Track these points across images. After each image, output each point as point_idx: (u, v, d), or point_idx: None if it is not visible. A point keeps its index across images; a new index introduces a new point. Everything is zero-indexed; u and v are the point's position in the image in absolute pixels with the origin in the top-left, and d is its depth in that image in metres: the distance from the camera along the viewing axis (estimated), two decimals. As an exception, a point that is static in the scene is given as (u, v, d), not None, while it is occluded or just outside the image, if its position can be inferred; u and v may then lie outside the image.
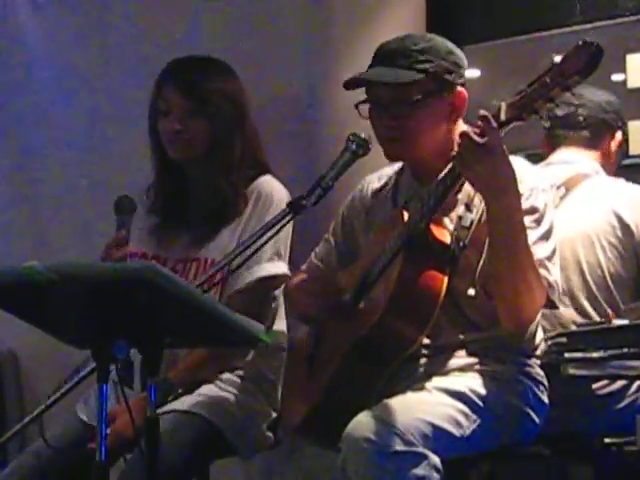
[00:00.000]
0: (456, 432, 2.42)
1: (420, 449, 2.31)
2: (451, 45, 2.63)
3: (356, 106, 2.60)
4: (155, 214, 2.94)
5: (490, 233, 2.42)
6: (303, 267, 2.93)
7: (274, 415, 2.89)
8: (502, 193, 2.34)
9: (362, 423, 2.33)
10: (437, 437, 2.36)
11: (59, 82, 4.18)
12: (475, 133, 2.29)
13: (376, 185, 2.82)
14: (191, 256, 2.87)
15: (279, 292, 2.92)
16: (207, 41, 3.73)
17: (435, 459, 2.33)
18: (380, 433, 2.29)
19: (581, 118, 3.22)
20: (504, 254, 2.38)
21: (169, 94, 2.85)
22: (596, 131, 3.24)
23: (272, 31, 3.72)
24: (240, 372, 2.84)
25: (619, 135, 3.28)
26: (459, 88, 2.59)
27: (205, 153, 2.86)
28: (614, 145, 3.29)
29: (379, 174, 2.85)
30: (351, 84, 2.60)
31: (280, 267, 2.83)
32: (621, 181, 3.20)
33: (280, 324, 2.94)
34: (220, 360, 2.82)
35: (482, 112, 2.30)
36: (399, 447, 2.29)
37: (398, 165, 2.79)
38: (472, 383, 2.50)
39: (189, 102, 2.83)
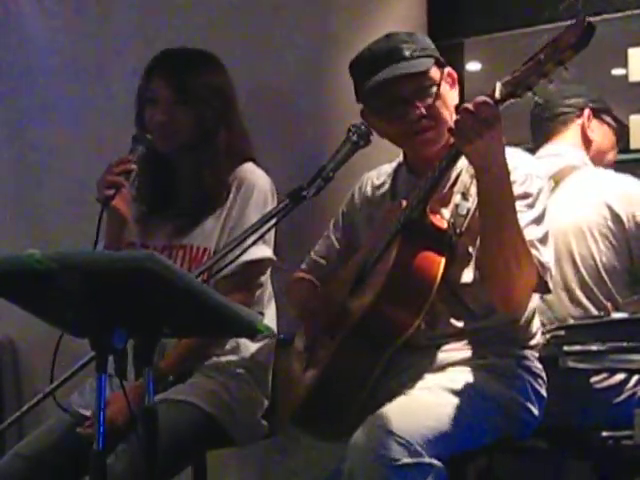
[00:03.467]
0: (456, 430, 2.41)
1: (426, 459, 2.31)
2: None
3: (367, 126, 2.52)
4: (140, 203, 2.97)
5: (480, 206, 2.43)
6: (303, 266, 2.94)
7: (267, 403, 2.90)
8: (494, 164, 2.34)
9: (369, 433, 2.33)
10: (439, 439, 2.36)
11: (62, 74, 4.18)
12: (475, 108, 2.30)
13: (375, 182, 2.84)
14: (176, 244, 2.89)
15: (266, 278, 2.93)
16: (204, 31, 3.73)
17: (439, 466, 2.33)
18: (387, 445, 2.29)
19: (547, 114, 3.27)
20: (494, 227, 2.38)
21: (156, 84, 2.87)
22: (561, 122, 3.27)
23: (271, 20, 3.71)
24: (230, 358, 2.85)
25: (586, 111, 3.30)
26: (448, 69, 2.64)
27: (191, 144, 2.87)
28: (587, 122, 3.30)
29: (378, 171, 2.86)
30: (374, 90, 2.57)
31: (264, 251, 2.83)
32: (610, 172, 3.22)
33: (270, 310, 2.96)
34: (209, 347, 2.83)
35: (479, 98, 2.31)
36: (406, 459, 2.29)
37: (396, 162, 2.80)
38: (471, 377, 2.50)
39: (175, 93, 2.84)
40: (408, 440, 2.30)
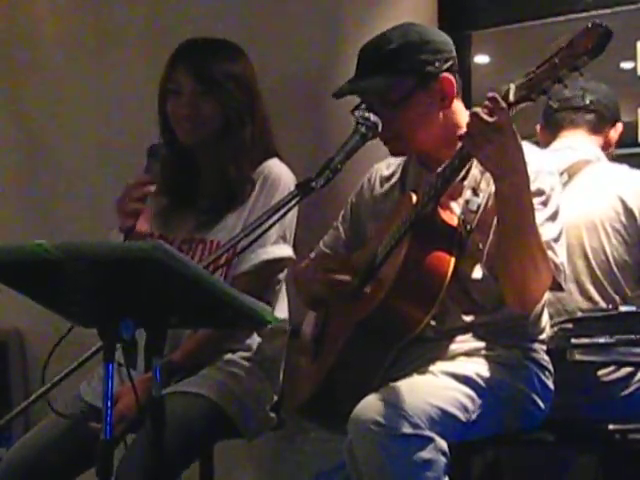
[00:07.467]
0: (462, 416, 2.42)
1: (427, 432, 2.31)
2: (430, 33, 2.61)
3: (352, 112, 2.55)
4: (162, 195, 2.93)
5: (499, 212, 2.42)
6: (312, 255, 2.94)
7: (276, 398, 2.90)
8: (511, 172, 2.34)
9: (369, 405, 2.33)
10: (444, 421, 2.36)
11: (69, 63, 4.18)
12: (485, 113, 2.29)
13: (384, 173, 2.83)
14: (197, 237, 2.86)
15: (283, 275, 2.92)
16: (216, 22, 3.73)
17: (442, 443, 2.33)
18: (388, 416, 2.29)
19: (588, 101, 3.25)
20: (513, 233, 2.38)
21: (179, 76, 2.83)
22: (601, 116, 3.28)
23: (282, 13, 3.71)
24: (243, 354, 2.84)
25: (619, 126, 3.32)
26: (444, 74, 2.57)
27: (215, 137, 2.84)
28: (615, 134, 3.31)
29: (387, 162, 2.85)
30: (338, 95, 2.60)
31: (285, 250, 2.82)
32: (624, 167, 3.22)
33: (282, 306, 2.95)
34: (223, 341, 2.82)
35: (490, 93, 2.30)
36: (406, 430, 2.29)
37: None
38: (478, 368, 2.50)
39: (199, 85, 2.80)
40: (409, 413, 2.31)
